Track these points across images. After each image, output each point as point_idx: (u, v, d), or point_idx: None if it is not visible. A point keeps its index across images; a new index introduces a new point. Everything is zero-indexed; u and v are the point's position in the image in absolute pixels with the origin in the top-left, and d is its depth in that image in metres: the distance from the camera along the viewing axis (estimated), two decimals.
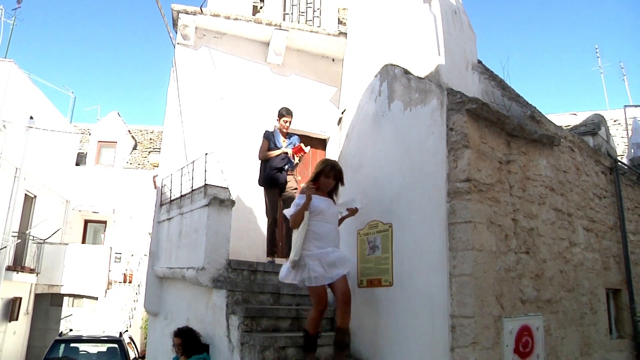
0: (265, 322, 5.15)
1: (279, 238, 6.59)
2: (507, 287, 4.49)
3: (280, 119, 6.61)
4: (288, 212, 4.60)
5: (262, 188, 6.51)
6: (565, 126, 7.25)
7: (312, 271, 4.34)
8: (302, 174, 7.38)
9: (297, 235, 4.45)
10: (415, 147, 4.77)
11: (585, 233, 5.86)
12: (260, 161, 6.53)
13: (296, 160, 6.53)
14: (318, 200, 4.53)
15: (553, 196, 5.36)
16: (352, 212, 4.92)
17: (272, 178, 6.34)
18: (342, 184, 4.84)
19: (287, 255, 5.58)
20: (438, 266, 4.33)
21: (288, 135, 6.66)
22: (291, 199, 5.96)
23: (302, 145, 6.49)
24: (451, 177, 4.39)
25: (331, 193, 4.82)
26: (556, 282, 5.15)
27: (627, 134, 9.57)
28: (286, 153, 6.42)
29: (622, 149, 11.55)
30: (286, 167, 6.41)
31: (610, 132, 10.24)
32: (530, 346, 4.63)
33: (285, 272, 4.54)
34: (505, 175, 4.73)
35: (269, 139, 6.50)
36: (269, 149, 6.42)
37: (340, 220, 4.88)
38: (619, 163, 6.98)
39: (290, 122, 6.64)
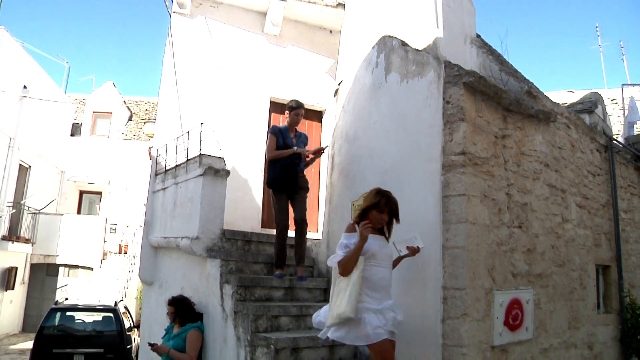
0: (259, 292, 5.20)
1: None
2: (498, 260, 4.54)
3: (290, 112, 5.78)
4: (334, 258, 3.78)
5: (270, 190, 5.77)
6: (562, 103, 7.23)
7: (370, 325, 3.61)
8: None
9: (347, 284, 3.64)
10: (411, 119, 4.76)
11: (578, 210, 5.90)
12: (268, 160, 5.79)
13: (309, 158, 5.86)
14: (371, 240, 3.75)
15: (547, 172, 5.38)
16: (413, 251, 4.18)
17: (282, 180, 5.55)
18: (398, 220, 4.04)
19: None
20: (431, 238, 4.36)
21: (297, 133, 5.86)
22: (302, 199, 5.64)
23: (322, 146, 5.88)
24: (446, 150, 4.39)
25: (382, 229, 4.03)
26: (547, 257, 5.20)
27: (624, 113, 9.57)
28: (299, 153, 5.63)
29: (618, 128, 11.56)
30: (299, 168, 5.66)
31: (607, 111, 10.23)
32: (520, 319, 4.70)
33: (334, 331, 3.73)
34: (500, 150, 4.74)
35: (277, 136, 5.65)
36: (278, 147, 5.62)
37: (397, 261, 4.21)
38: (614, 141, 7.00)
39: (302, 116, 5.86)
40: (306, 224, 5.60)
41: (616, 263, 6.59)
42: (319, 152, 5.75)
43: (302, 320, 4.99)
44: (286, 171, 5.53)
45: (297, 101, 5.82)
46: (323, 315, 3.92)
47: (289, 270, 5.72)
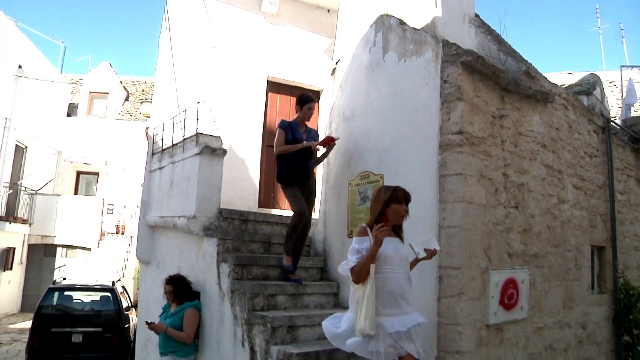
0: (256, 270, 5.22)
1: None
2: (495, 240, 4.56)
3: (302, 106, 5.46)
4: (345, 265, 3.45)
5: (281, 185, 5.54)
6: (561, 85, 7.21)
7: (383, 343, 3.35)
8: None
9: (362, 295, 3.32)
10: (409, 98, 4.74)
11: (575, 191, 5.92)
12: (276, 155, 5.50)
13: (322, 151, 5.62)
14: (384, 243, 3.37)
15: (544, 153, 5.38)
16: (431, 254, 3.78)
17: (293, 172, 5.32)
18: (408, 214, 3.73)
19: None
20: (428, 217, 4.38)
21: (307, 128, 5.57)
22: (310, 196, 5.44)
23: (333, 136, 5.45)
24: (443, 130, 4.39)
25: (395, 228, 3.71)
26: (543, 238, 5.23)
27: (622, 96, 9.54)
28: (309, 147, 5.38)
29: (615, 111, 11.54)
30: (309, 164, 5.46)
31: (606, 93, 10.20)
32: (515, 298, 4.75)
33: (352, 343, 3.45)
34: (497, 130, 4.74)
35: (287, 131, 5.37)
36: (287, 142, 5.34)
37: (413, 264, 3.81)
38: (611, 123, 6.99)
39: (313, 110, 5.55)
40: (310, 221, 5.41)
41: (611, 244, 6.63)
42: (328, 142, 5.34)
43: (298, 299, 5.02)
44: (297, 163, 5.31)
45: (308, 95, 5.57)
46: (344, 326, 3.54)
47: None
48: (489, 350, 4.40)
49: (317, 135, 5.66)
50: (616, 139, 7.05)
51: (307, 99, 5.47)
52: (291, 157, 5.31)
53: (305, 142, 5.35)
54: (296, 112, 5.56)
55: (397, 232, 3.71)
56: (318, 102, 7.40)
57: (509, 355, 4.64)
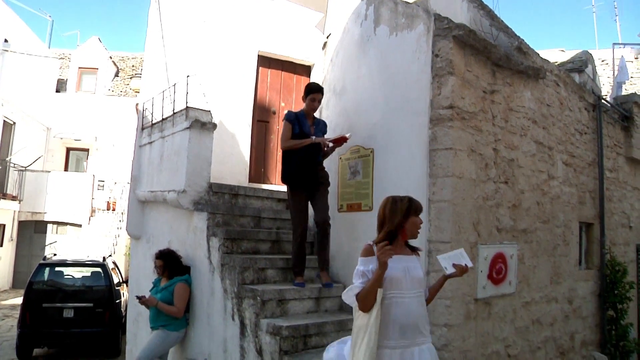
0: (246, 245, 5.23)
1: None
2: (484, 215, 4.59)
3: (307, 96, 5.05)
4: (350, 292, 2.94)
5: (286, 186, 5.12)
6: (553, 62, 7.18)
7: None
8: (286, 100, 7.30)
9: (366, 324, 2.86)
10: (400, 72, 4.71)
11: (564, 167, 5.95)
12: (282, 151, 5.12)
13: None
14: (391, 263, 2.87)
15: (535, 129, 5.38)
16: (462, 271, 3.20)
17: (299, 176, 4.90)
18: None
19: None
20: (418, 192, 4.35)
21: (316, 120, 5.18)
22: (323, 196, 4.99)
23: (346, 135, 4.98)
24: (434, 104, 4.37)
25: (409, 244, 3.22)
26: (532, 213, 5.26)
27: (614, 73, 9.53)
28: (318, 143, 4.92)
29: (607, 90, 11.54)
30: (318, 159, 5.03)
31: (598, 71, 10.19)
32: (504, 273, 4.79)
33: None
34: (488, 105, 4.73)
35: (293, 123, 4.96)
36: (293, 136, 4.93)
37: (441, 282, 3.34)
38: (602, 100, 7.00)
39: (319, 102, 5.14)
40: (329, 224, 4.95)
41: (599, 221, 6.69)
42: (340, 141, 4.95)
43: (288, 273, 5.04)
44: (304, 165, 4.86)
45: (314, 84, 5.13)
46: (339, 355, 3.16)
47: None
48: (477, 324, 4.46)
49: (326, 127, 5.25)
50: (607, 117, 7.06)
51: (311, 88, 5.05)
52: (298, 154, 4.87)
53: (314, 138, 4.90)
54: (303, 102, 5.15)
55: (410, 247, 3.20)
56: (309, 77, 7.35)
57: (496, 328, 4.70)
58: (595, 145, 6.70)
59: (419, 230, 3.14)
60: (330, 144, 4.99)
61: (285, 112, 5.18)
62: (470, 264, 3.23)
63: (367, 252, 2.98)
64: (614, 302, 6.63)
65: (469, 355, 4.32)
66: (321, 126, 5.16)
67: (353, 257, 4.97)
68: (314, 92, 5.02)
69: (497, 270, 4.71)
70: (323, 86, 5.33)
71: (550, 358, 5.50)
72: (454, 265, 3.20)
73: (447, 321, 4.16)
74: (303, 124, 4.96)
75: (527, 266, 5.20)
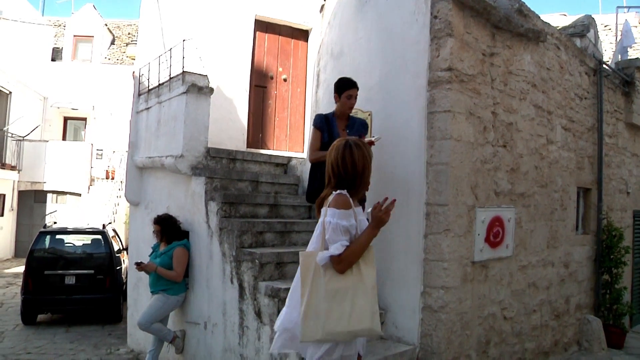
0: (244, 209, 5.25)
1: None
2: (482, 178, 4.58)
3: (340, 94, 4.30)
4: (331, 251, 2.59)
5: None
6: (554, 27, 7.07)
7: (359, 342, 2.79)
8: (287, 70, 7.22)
9: (350, 285, 2.60)
10: (398, 34, 4.65)
11: (563, 132, 5.92)
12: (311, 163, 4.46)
13: None
14: (362, 217, 2.76)
15: (534, 93, 5.34)
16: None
17: None
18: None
19: None
20: (415, 154, 4.37)
21: (350, 121, 4.42)
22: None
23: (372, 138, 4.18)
24: (433, 66, 4.32)
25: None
26: (530, 177, 5.26)
27: (616, 37, 9.38)
28: None
29: (609, 55, 11.41)
30: None
31: (600, 37, 10.05)
32: (501, 236, 4.82)
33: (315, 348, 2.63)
34: (487, 68, 4.68)
35: (322, 130, 4.30)
36: (323, 145, 4.23)
37: None
38: (603, 65, 6.92)
39: (355, 99, 4.35)
40: None
41: (597, 186, 6.70)
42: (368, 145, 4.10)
43: (286, 237, 5.07)
44: None
45: (347, 79, 4.35)
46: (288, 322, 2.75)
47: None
48: (474, 287, 4.50)
49: (364, 126, 4.47)
50: (607, 82, 7.00)
51: (345, 84, 4.30)
52: (323, 168, 3.95)
53: None
54: (335, 102, 4.39)
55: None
56: (307, 42, 7.25)
57: (493, 291, 4.75)
58: (595, 111, 6.65)
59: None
60: None
61: (315, 116, 4.52)
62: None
63: (344, 204, 2.63)
64: (609, 266, 6.70)
65: (465, 318, 4.38)
66: (357, 127, 4.36)
67: None
68: (348, 87, 4.28)
69: (495, 234, 4.74)
70: (321, 49, 5.26)
71: (545, 320, 5.57)
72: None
73: (444, 283, 4.20)
74: (333, 130, 4.28)
75: (525, 230, 5.22)
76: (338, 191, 2.66)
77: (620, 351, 6.33)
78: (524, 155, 5.15)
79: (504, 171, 4.87)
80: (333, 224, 2.59)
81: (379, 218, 2.63)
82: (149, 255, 5.72)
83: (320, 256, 2.59)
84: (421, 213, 4.33)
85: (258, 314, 4.40)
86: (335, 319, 2.53)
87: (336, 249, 2.56)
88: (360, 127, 4.40)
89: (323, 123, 4.35)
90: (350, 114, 4.43)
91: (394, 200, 2.70)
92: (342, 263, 2.57)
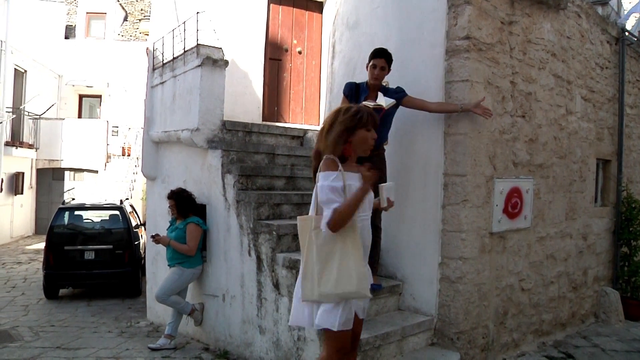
0: (260, 181, 5.25)
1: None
2: (500, 148, 4.53)
3: (368, 64, 4.23)
4: (324, 220, 2.70)
5: None
6: None
7: (355, 306, 2.83)
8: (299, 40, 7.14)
9: (340, 247, 2.70)
10: (415, 3, 4.58)
11: (583, 102, 5.81)
12: None
13: None
14: (356, 181, 2.79)
15: (554, 62, 5.23)
16: (390, 205, 3.09)
17: None
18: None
19: None
20: (433, 124, 4.34)
21: (383, 91, 4.25)
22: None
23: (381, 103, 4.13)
24: (450, 35, 4.26)
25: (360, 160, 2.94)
26: (549, 148, 5.19)
27: None
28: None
29: (631, 24, 11.12)
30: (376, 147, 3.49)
31: (623, 5, 9.77)
32: (519, 207, 4.78)
33: (326, 315, 2.71)
34: (506, 36, 4.59)
35: (350, 99, 4.23)
36: None
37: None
38: (626, 34, 6.74)
39: (382, 69, 4.19)
40: (380, 228, 4.25)
41: (617, 158, 6.59)
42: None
43: (303, 208, 5.07)
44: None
45: (376, 49, 4.23)
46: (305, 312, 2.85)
47: None
48: (492, 257, 4.49)
49: (399, 94, 4.25)
50: (630, 51, 6.83)
51: (371, 54, 4.21)
52: None
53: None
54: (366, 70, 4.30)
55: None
56: (321, 13, 7.16)
57: (510, 262, 4.74)
58: (616, 81, 6.51)
59: (371, 147, 2.89)
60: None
61: (346, 83, 4.41)
62: (393, 199, 3.08)
63: (331, 166, 2.73)
64: (628, 239, 6.63)
65: (483, 288, 4.38)
66: (390, 95, 4.24)
67: None
68: (372, 57, 4.16)
69: (513, 205, 4.70)
70: (336, 20, 5.18)
71: (562, 292, 5.55)
72: (388, 200, 3.04)
73: (462, 254, 4.19)
74: (360, 98, 4.19)
75: (543, 201, 5.17)
76: (326, 155, 2.80)
77: (638, 323, 6.29)
78: (543, 125, 5.08)
79: (522, 142, 4.81)
80: (319, 185, 2.74)
81: (365, 178, 2.73)
82: (167, 229, 5.78)
83: (322, 223, 2.71)
84: (439, 184, 4.31)
85: (276, 286, 4.44)
86: (325, 281, 2.67)
87: (329, 214, 2.67)
88: (394, 93, 4.25)
89: (352, 91, 4.30)
90: (382, 84, 4.32)
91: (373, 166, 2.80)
92: (335, 220, 2.65)
